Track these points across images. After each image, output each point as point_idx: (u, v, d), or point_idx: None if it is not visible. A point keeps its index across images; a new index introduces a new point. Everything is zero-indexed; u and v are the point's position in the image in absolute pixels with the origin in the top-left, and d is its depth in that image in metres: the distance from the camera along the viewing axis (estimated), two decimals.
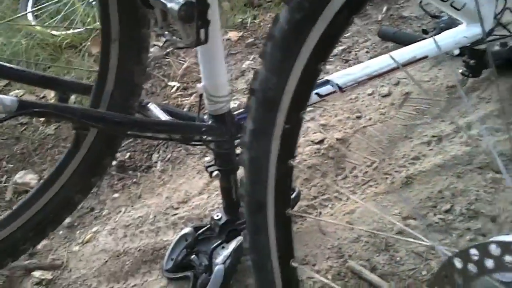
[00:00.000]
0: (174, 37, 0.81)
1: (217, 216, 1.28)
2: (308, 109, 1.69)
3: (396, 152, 1.53)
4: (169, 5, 0.80)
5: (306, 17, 0.62)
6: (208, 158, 1.64)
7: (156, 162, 1.69)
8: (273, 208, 0.75)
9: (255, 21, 2.38)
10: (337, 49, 2.02)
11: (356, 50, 2.02)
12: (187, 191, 1.55)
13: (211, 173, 1.22)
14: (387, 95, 1.75)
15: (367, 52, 1.99)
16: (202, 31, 0.83)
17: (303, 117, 0.68)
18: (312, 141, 1.63)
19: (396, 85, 1.79)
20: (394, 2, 2.25)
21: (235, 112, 1.21)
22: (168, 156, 1.69)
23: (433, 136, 1.55)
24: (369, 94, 1.78)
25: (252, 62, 2.09)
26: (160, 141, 1.74)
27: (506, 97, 1.57)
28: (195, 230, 1.32)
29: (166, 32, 0.82)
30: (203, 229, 1.31)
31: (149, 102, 1.18)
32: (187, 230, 1.33)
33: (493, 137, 1.47)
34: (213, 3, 0.95)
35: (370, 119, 1.67)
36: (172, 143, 1.73)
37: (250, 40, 2.24)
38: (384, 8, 2.23)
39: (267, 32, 0.64)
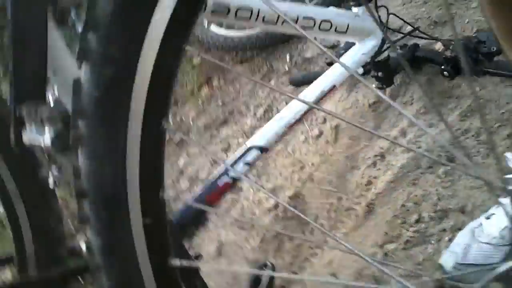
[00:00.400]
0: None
1: None
2: (253, 177, 1.67)
3: (349, 186, 1.51)
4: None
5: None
6: None
7: None
8: None
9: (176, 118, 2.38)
10: (259, 112, 2.03)
11: (276, 105, 2.03)
12: None
13: None
14: (319, 135, 1.74)
15: (287, 103, 2.00)
16: None
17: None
18: (268, 210, 1.59)
19: (324, 123, 1.79)
20: (294, 49, 2.30)
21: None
22: None
23: (376, 156, 1.53)
24: (303, 141, 1.77)
25: (186, 157, 2.07)
26: None
27: (429, 92, 1.58)
28: None
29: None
30: None
31: None
32: None
33: (433, 129, 1.47)
34: None
35: (312, 164, 1.65)
36: None
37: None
38: (287, 57, 2.26)
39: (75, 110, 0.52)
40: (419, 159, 1.43)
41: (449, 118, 1.45)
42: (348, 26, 1.45)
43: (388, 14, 1.55)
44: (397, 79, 1.63)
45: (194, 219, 1.23)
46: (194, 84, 2.44)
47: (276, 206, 1.59)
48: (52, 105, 0.78)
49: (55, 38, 0.80)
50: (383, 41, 1.50)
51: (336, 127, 1.74)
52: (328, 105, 1.85)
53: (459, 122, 1.44)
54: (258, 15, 1.19)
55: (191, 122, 2.26)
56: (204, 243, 1.66)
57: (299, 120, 1.34)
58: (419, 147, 1.46)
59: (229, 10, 1.14)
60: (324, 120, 1.80)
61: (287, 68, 2.22)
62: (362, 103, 1.75)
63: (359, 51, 1.51)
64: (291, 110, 1.35)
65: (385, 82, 1.61)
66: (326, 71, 1.45)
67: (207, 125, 2.20)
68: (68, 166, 0.75)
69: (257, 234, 1.58)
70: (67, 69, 0.82)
